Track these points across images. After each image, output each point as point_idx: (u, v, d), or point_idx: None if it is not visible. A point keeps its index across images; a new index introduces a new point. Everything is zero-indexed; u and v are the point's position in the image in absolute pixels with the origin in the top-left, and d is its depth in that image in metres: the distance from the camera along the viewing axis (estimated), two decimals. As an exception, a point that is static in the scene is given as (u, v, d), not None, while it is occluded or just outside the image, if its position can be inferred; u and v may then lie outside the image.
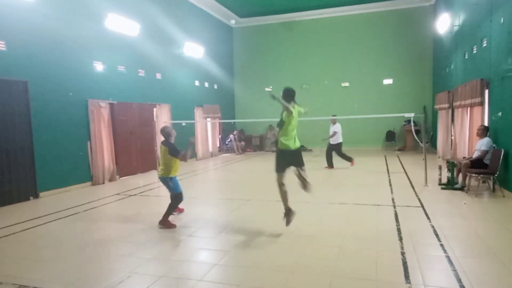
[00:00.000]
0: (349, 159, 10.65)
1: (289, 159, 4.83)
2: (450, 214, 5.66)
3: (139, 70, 10.91)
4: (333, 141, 10.75)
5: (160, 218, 5.38)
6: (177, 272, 3.82)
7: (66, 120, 8.30)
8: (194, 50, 13.49)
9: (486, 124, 7.71)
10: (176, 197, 5.51)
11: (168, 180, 5.45)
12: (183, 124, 12.01)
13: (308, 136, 16.57)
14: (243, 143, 16.35)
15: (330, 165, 10.82)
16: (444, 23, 11.27)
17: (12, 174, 7.07)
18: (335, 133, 10.66)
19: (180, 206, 5.93)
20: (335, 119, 10.87)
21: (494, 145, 7.02)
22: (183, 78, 13.34)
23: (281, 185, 4.88)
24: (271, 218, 5.73)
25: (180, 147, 5.45)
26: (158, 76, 11.82)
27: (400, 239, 4.53)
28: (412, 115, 8.52)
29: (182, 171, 5.68)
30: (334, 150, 10.77)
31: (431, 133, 14.68)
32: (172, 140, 5.53)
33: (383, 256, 3.99)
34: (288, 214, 4.91)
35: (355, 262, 3.88)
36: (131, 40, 10.34)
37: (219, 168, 12.21)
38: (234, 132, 16.13)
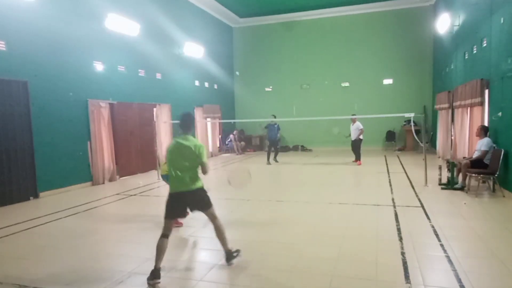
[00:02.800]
0: (359, 157, 11.54)
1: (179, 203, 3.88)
2: (450, 214, 5.66)
3: (139, 70, 10.91)
4: (353, 137, 11.56)
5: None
6: (177, 272, 3.82)
7: (66, 120, 8.30)
8: (194, 50, 13.48)
9: (486, 124, 7.71)
10: None
11: None
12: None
13: (308, 136, 16.62)
14: (243, 143, 16.34)
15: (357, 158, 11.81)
16: (444, 23, 11.26)
17: (12, 174, 7.07)
18: (362, 130, 11.37)
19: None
20: (355, 119, 11.55)
21: (494, 145, 7.02)
22: (183, 78, 13.34)
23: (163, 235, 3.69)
24: (271, 218, 5.73)
25: None
26: (158, 76, 11.81)
27: (400, 239, 4.53)
28: (412, 115, 8.52)
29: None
30: (354, 144, 11.60)
31: (431, 133, 14.67)
32: None
33: (383, 256, 3.99)
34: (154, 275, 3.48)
35: (355, 262, 3.88)
36: (131, 40, 10.34)
37: (219, 168, 12.20)
38: (234, 132, 16.12)
